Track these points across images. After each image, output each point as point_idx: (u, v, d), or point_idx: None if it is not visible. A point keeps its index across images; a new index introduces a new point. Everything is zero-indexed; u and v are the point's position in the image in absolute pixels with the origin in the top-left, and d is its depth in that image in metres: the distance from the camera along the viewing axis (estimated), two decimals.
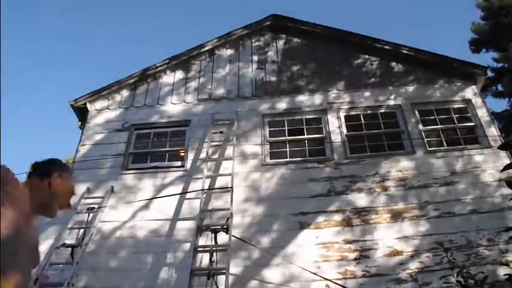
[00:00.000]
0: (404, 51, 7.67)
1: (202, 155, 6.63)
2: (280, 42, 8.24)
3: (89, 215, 6.02)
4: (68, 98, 7.62)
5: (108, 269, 5.54)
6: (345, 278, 5.26)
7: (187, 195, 6.17)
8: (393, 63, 7.67)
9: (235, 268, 5.29)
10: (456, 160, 6.32)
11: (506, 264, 3.64)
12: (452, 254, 4.89)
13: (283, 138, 6.90)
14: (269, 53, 8.09)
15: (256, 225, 5.84)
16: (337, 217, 5.83)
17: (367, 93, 7.27)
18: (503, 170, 2.55)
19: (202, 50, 8.11)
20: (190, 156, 6.70)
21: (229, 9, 46.51)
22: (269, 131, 6.96)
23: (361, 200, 5.99)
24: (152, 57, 57.50)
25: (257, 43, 8.28)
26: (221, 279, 4.89)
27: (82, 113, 7.58)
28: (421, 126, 6.79)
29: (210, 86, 7.69)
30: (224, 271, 4.85)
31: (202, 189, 6.03)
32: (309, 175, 6.29)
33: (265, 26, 8.40)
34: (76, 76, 48.01)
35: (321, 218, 5.83)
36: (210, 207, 5.99)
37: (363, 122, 6.99)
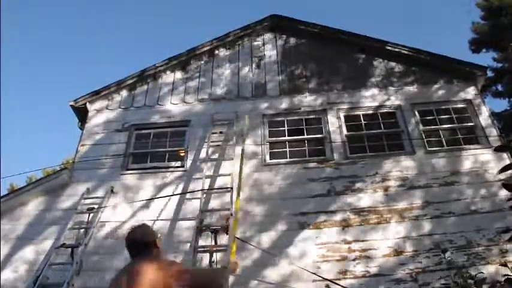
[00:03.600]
0: (404, 52, 7.67)
1: (202, 155, 6.63)
2: (280, 42, 8.24)
3: (89, 215, 6.03)
4: (68, 98, 7.62)
5: (108, 269, 5.52)
6: (345, 278, 5.26)
7: (187, 196, 6.18)
8: (393, 64, 7.67)
9: None
10: (456, 160, 6.32)
11: (506, 265, 3.63)
12: (452, 254, 4.88)
13: (283, 138, 6.90)
14: (269, 53, 8.09)
15: (256, 225, 5.84)
16: (337, 217, 5.83)
17: (367, 93, 7.27)
18: (501, 172, 2.53)
19: (202, 50, 8.11)
20: (190, 156, 6.70)
21: (229, 9, 46.52)
22: (269, 131, 6.96)
23: (361, 200, 5.99)
24: (152, 58, 57.54)
25: (256, 43, 8.28)
26: None
27: (82, 113, 7.58)
28: (421, 127, 6.79)
29: (209, 86, 7.69)
30: None
31: (202, 190, 6.03)
32: (309, 175, 6.29)
33: (264, 26, 8.40)
34: (76, 76, 48.04)
35: (321, 218, 5.83)
36: (210, 207, 5.99)
37: (362, 122, 6.99)
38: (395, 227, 5.67)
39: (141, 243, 2.59)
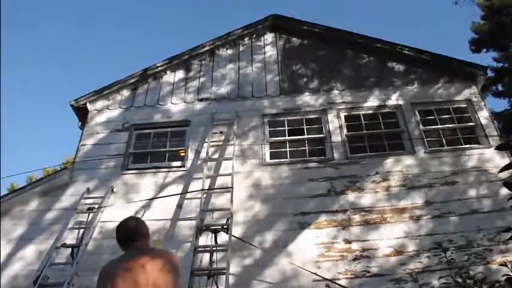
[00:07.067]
0: (404, 51, 7.67)
1: (203, 155, 6.63)
2: (281, 42, 8.24)
3: (89, 215, 6.02)
4: (69, 97, 7.63)
5: None
6: (345, 278, 5.26)
7: (188, 195, 6.18)
8: (393, 63, 7.66)
9: (235, 268, 5.29)
10: (456, 160, 6.32)
11: (505, 265, 3.63)
12: (452, 253, 4.87)
13: (283, 138, 6.90)
14: (269, 53, 8.08)
15: (257, 225, 5.84)
16: (338, 217, 5.83)
17: (367, 93, 7.27)
18: (501, 171, 2.52)
19: (203, 50, 8.11)
20: (191, 156, 6.70)
21: (229, 9, 46.53)
22: (269, 131, 6.96)
23: (361, 200, 5.99)
24: (152, 57, 57.57)
25: (257, 43, 8.28)
26: (221, 279, 4.89)
27: (82, 113, 7.58)
28: (421, 126, 6.78)
29: (210, 86, 7.68)
30: (224, 271, 4.85)
31: (202, 189, 6.03)
32: (309, 175, 6.28)
33: (265, 26, 8.40)
34: (76, 76, 48.05)
35: (321, 218, 5.83)
36: (210, 207, 5.99)
37: (363, 122, 6.98)
38: (396, 227, 5.67)
39: (141, 233, 2.61)
